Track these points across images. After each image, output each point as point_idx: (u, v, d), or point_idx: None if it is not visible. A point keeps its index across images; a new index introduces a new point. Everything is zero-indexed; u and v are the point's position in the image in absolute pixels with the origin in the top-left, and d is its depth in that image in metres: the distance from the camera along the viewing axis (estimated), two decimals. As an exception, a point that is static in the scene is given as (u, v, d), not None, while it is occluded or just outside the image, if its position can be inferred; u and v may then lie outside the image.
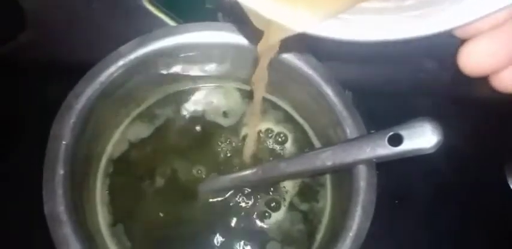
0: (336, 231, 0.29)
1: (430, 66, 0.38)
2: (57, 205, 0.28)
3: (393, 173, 0.41)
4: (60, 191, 0.28)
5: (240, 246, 0.34)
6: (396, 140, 0.24)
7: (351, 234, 0.27)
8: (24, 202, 0.39)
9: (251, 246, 0.34)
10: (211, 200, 0.35)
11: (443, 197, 0.40)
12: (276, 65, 0.33)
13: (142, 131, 0.37)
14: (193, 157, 0.37)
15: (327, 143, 0.35)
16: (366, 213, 0.27)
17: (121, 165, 0.36)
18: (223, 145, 0.37)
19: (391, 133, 0.25)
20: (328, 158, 0.27)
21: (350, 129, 0.30)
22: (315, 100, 0.32)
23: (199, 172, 0.36)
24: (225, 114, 0.38)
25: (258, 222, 0.35)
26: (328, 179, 0.36)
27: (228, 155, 0.37)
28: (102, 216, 0.34)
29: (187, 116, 0.38)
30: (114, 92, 0.33)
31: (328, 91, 0.31)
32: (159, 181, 0.36)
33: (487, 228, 0.39)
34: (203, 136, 0.37)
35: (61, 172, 0.29)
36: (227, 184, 0.34)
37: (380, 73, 0.39)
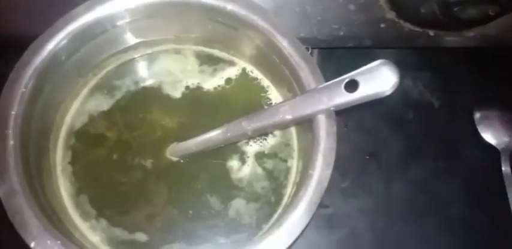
0: (299, 183, 0.28)
1: (391, 16, 0.37)
2: (10, 176, 0.27)
3: (363, 129, 0.41)
4: (11, 162, 0.27)
5: (207, 204, 0.34)
6: (353, 86, 0.24)
7: (311, 182, 0.26)
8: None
9: (217, 203, 0.34)
10: (177, 162, 0.35)
11: (414, 150, 0.40)
12: (230, 22, 0.32)
13: (102, 103, 0.36)
14: (155, 126, 0.36)
15: (287, 96, 0.34)
16: (327, 161, 0.27)
17: (82, 137, 0.35)
18: (183, 112, 0.36)
19: (347, 80, 0.24)
20: (287, 112, 0.27)
21: (308, 80, 0.29)
22: (272, 54, 0.32)
23: (163, 139, 0.35)
24: (182, 81, 0.37)
25: (225, 181, 0.34)
26: (294, 138, 0.36)
27: (189, 121, 0.36)
28: (64, 188, 0.33)
29: (146, 86, 0.37)
30: (65, 60, 0.32)
31: (285, 43, 0.30)
32: (123, 151, 0.35)
33: (459, 176, 0.39)
34: (164, 104, 0.36)
35: (11, 142, 0.28)
36: (192, 148, 0.33)
37: (342, 28, 0.38)
